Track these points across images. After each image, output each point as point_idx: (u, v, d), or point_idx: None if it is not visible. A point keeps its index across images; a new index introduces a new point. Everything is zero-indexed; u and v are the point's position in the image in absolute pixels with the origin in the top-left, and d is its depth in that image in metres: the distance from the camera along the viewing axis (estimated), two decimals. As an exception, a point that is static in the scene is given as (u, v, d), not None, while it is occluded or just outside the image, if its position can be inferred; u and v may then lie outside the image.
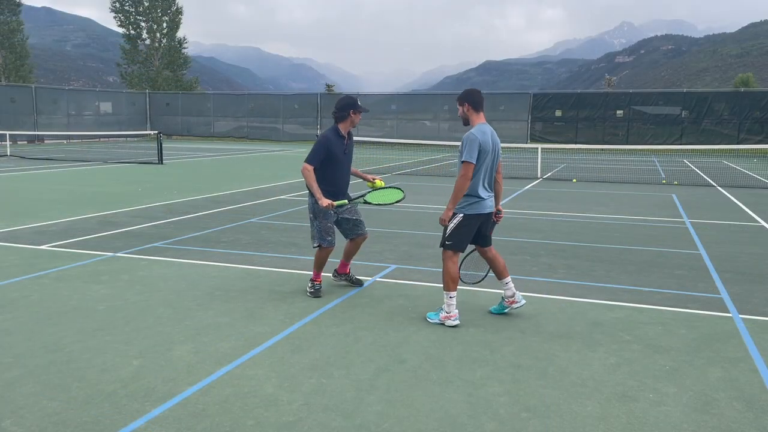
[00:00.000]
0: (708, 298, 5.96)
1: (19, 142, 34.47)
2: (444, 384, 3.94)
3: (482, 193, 5.08)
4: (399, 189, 5.87)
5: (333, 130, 5.80)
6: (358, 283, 6.22)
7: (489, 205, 5.16)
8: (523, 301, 5.32)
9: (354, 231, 6.02)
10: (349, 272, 6.26)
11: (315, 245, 5.87)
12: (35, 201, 12.10)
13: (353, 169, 6.07)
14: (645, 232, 9.49)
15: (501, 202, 5.43)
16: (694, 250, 8.17)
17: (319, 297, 5.79)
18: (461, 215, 5.08)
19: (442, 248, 5.21)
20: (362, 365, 4.22)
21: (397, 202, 5.87)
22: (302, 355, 4.37)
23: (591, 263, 7.33)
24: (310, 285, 5.90)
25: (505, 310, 5.34)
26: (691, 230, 9.66)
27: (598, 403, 3.69)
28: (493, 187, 5.24)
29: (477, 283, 5.68)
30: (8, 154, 25.40)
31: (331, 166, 5.75)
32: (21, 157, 24.37)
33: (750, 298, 5.96)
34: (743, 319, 5.30)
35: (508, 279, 5.32)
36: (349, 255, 6.17)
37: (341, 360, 4.30)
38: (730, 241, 8.85)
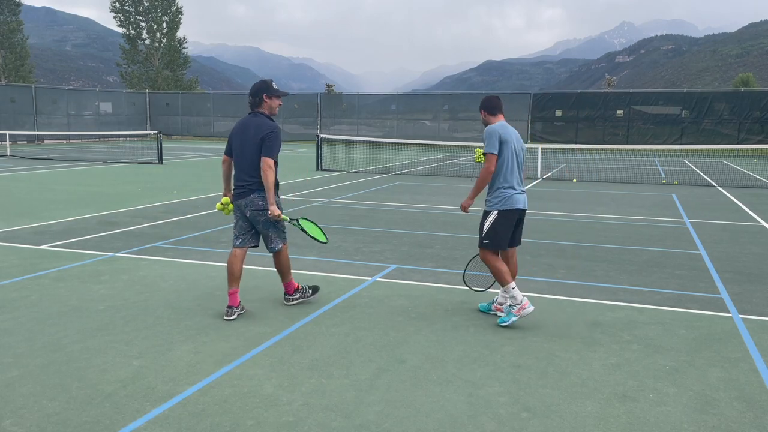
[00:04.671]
0: (708, 298, 5.96)
1: (19, 142, 34.50)
2: (444, 384, 3.94)
3: (512, 187, 5.08)
4: (323, 235, 5.60)
5: (267, 116, 5.20)
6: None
7: (522, 201, 5.14)
8: (530, 308, 5.14)
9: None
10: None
11: (282, 245, 5.39)
12: (35, 201, 12.10)
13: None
14: (645, 232, 9.49)
15: None
16: (694, 250, 8.17)
17: (318, 289, 5.66)
18: (496, 212, 5.08)
19: (480, 248, 5.19)
20: (362, 365, 4.22)
21: (319, 241, 5.57)
22: (302, 355, 4.37)
23: (591, 263, 7.33)
24: (298, 294, 5.52)
25: (490, 312, 5.35)
26: (691, 230, 9.66)
27: (598, 403, 3.69)
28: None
29: (479, 290, 5.64)
30: (8, 154, 25.40)
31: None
32: (21, 157, 24.37)
33: (750, 298, 5.96)
34: (743, 319, 5.30)
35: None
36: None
37: (341, 360, 4.30)
38: (730, 241, 8.85)
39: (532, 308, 5.02)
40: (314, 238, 5.53)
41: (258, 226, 5.30)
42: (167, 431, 3.30)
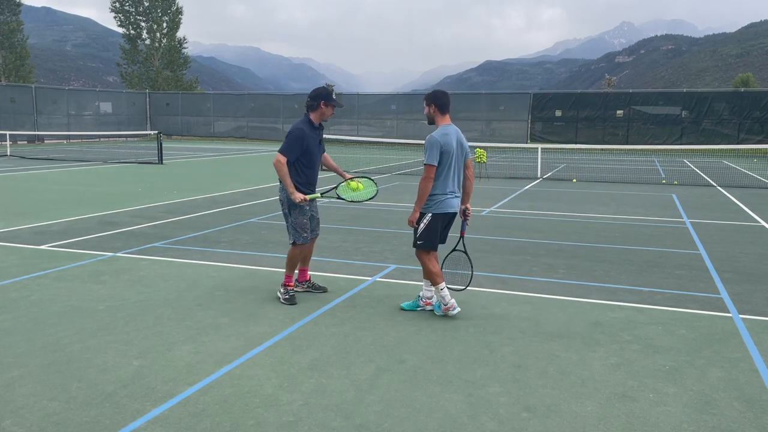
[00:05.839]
0: (708, 298, 5.96)
1: (19, 142, 34.49)
2: (444, 384, 3.94)
3: (448, 192, 5.22)
4: (373, 183, 5.84)
5: (306, 121, 5.56)
6: (322, 290, 5.93)
7: (455, 204, 5.29)
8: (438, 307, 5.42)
9: (313, 231, 5.81)
10: (309, 279, 5.98)
11: (290, 242, 5.66)
12: (35, 201, 12.10)
13: (333, 163, 5.91)
14: (645, 232, 9.49)
15: (470, 201, 5.55)
16: (694, 250, 8.17)
17: (295, 304, 5.51)
18: (430, 215, 5.24)
19: (415, 248, 5.38)
20: (362, 365, 4.22)
21: (369, 199, 5.84)
22: (302, 355, 4.38)
23: (591, 263, 7.33)
24: (282, 291, 5.61)
25: (417, 309, 5.47)
26: (691, 230, 9.66)
27: (598, 403, 3.69)
28: (462, 185, 5.39)
29: (458, 289, 5.63)
30: (8, 154, 25.40)
31: (304, 159, 5.54)
32: (21, 157, 24.37)
33: (750, 298, 5.96)
34: (743, 319, 5.30)
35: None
36: (305, 259, 5.92)
37: (341, 360, 4.30)
38: (730, 241, 8.85)
39: (457, 310, 5.22)
40: (364, 200, 5.84)
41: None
42: (167, 431, 3.30)
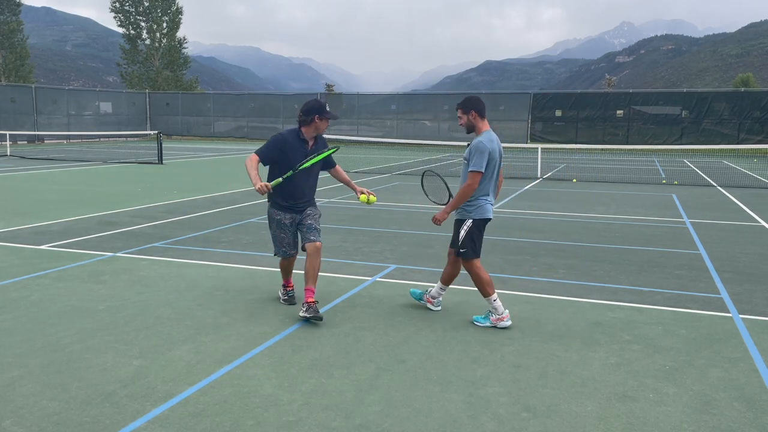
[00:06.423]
0: (708, 298, 5.96)
1: (19, 142, 34.50)
2: (444, 384, 3.94)
3: (488, 198, 5.14)
4: (332, 148, 5.45)
5: (293, 131, 5.32)
6: (317, 318, 5.04)
7: (492, 210, 5.22)
8: (439, 308, 5.48)
9: (305, 237, 5.31)
10: (292, 288, 5.66)
11: (273, 254, 5.62)
12: (35, 201, 12.10)
13: (345, 177, 5.74)
14: (645, 232, 9.49)
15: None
16: (694, 250, 8.17)
17: (295, 304, 5.51)
18: (470, 221, 5.08)
19: (459, 257, 5.19)
20: (362, 365, 4.22)
21: (327, 155, 5.41)
22: (302, 355, 4.38)
23: (591, 263, 7.33)
24: (282, 292, 5.64)
25: (419, 301, 5.54)
26: (691, 230, 9.66)
27: (598, 403, 3.69)
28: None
29: (429, 197, 5.55)
30: (8, 154, 25.40)
31: (283, 168, 5.22)
32: (21, 157, 24.38)
33: (750, 298, 5.96)
34: (743, 319, 5.30)
35: (446, 288, 5.46)
36: (286, 270, 5.63)
37: (341, 360, 4.30)
38: (730, 241, 8.85)
39: (509, 323, 5.03)
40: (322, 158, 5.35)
41: None
42: (167, 431, 3.30)
